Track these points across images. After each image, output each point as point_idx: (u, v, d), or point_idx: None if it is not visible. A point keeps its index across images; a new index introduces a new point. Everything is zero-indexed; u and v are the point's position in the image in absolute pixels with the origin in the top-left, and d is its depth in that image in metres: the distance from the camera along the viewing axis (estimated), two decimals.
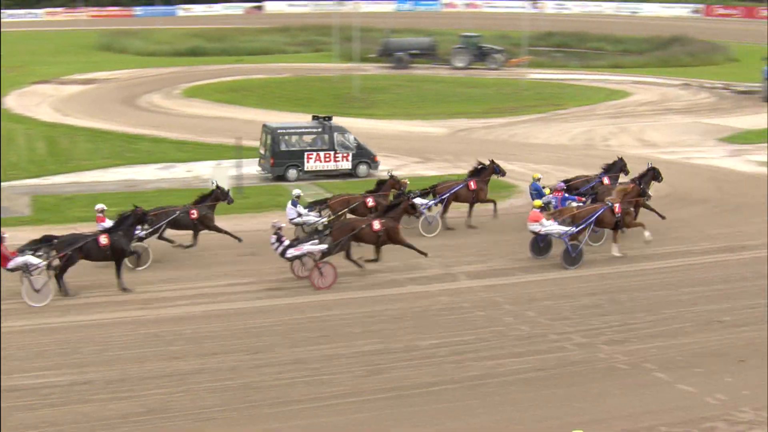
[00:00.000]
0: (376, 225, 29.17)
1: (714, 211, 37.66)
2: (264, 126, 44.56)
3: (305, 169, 43.19)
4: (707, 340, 24.31)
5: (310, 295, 27.52)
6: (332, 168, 43.58)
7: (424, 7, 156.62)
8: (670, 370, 22.43)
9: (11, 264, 26.62)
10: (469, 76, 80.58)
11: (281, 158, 42.89)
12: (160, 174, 44.29)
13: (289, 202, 32.60)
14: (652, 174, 34.74)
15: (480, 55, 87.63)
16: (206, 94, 68.45)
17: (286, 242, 28.24)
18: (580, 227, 30.45)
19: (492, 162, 35.83)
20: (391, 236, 29.46)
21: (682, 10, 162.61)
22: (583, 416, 20.26)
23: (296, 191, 33.06)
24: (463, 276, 29.30)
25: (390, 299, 27.22)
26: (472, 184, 34.79)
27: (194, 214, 31.41)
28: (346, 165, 43.72)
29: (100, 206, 30.43)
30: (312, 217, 32.21)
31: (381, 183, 34.33)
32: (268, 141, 43.23)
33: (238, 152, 41.05)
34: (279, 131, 43.28)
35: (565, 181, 35.05)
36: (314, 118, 45.53)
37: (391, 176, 34.63)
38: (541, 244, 31.11)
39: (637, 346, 23.73)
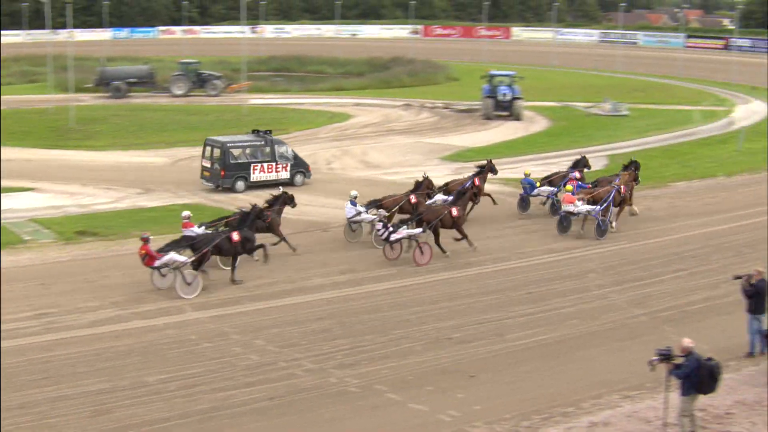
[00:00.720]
0: (455, 212, 35.18)
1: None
2: (209, 140, 47.35)
3: (251, 180, 46.39)
4: (437, 358, 25.10)
5: (30, 336, 26.66)
6: (274, 178, 46.91)
7: (140, 35, 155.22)
8: (402, 390, 23.05)
9: (158, 262, 30.21)
10: (189, 104, 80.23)
11: (231, 170, 45.93)
12: None
13: (348, 202, 36.91)
14: (635, 165, 42.16)
15: (199, 81, 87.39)
16: None
17: (391, 228, 33.67)
18: (604, 206, 37.82)
19: (489, 161, 42.45)
20: (456, 223, 35.34)
21: (401, 31, 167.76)
22: None
23: (353, 192, 37.61)
24: (189, 308, 29.08)
25: (115, 336, 26.69)
26: (477, 181, 40.24)
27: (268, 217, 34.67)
28: (285, 175, 47.30)
29: (186, 213, 34.02)
30: (369, 216, 36.69)
31: (419, 183, 39.51)
32: (216, 154, 46.09)
33: None
34: (228, 145, 46.34)
35: (546, 177, 42.82)
36: (254, 132, 48.78)
37: (426, 177, 39.97)
38: (564, 223, 38.08)
39: (368, 369, 24.25)
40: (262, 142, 47.25)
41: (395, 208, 37.42)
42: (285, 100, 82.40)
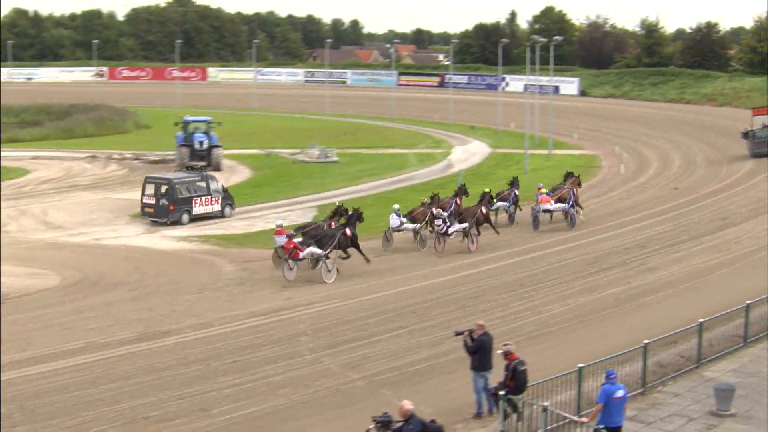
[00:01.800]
0: (484, 210, 49.40)
1: (133, 295, 38.57)
2: (151, 178, 55.58)
3: (193, 213, 54.28)
4: None
5: None
6: (209, 211, 55.41)
7: None
8: None
9: (302, 254, 41.14)
10: None
11: (179, 204, 53.57)
12: None
13: (393, 213, 48.26)
14: (572, 173, 58.49)
15: None
16: None
17: (449, 224, 46.62)
18: (571, 203, 52.73)
19: (463, 185, 54.90)
20: (487, 218, 50.26)
21: (83, 74, 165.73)
22: None
23: (396, 206, 49.27)
24: None
25: None
26: (459, 200, 52.11)
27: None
28: (217, 208, 55.86)
29: (279, 222, 45.64)
30: (409, 225, 48.21)
31: (432, 198, 51.15)
32: (162, 191, 53.28)
33: None
34: (175, 181, 54.03)
35: (497, 193, 54.70)
36: (188, 168, 59.61)
37: (436, 194, 52.20)
38: (535, 222, 52.50)
39: None
40: (199, 178, 55.52)
41: (426, 218, 48.36)
42: None
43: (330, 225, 44.22)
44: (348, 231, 42.94)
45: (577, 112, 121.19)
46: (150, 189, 54.03)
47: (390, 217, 48.22)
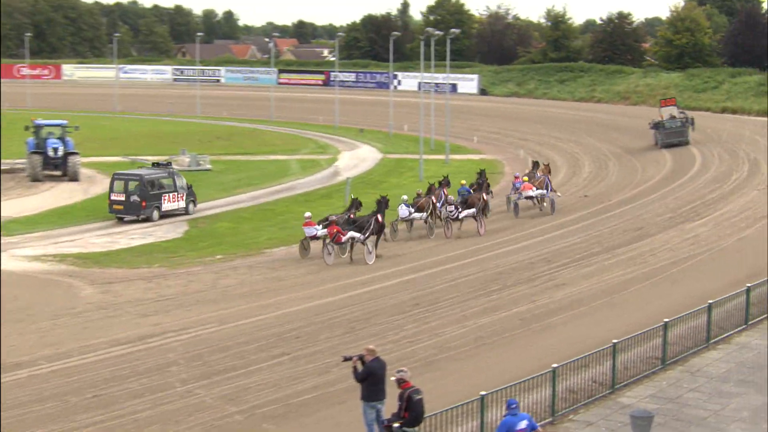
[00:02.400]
0: (484, 196, 58.11)
1: None
2: (120, 174, 60.95)
3: (162, 209, 59.64)
4: None
5: None
6: (175, 207, 60.92)
7: None
8: None
9: (344, 238, 48.81)
10: None
11: (150, 201, 58.87)
12: None
13: (402, 204, 55.70)
14: (538, 163, 70.23)
15: None
16: None
17: (460, 209, 55.75)
18: (549, 189, 62.94)
19: (446, 176, 62.99)
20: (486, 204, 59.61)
21: None
22: None
23: (404, 197, 57.04)
24: None
25: None
26: (445, 191, 59.27)
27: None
28: (182, 204, 61.47)
29: (308, 214, 50.82)
30: (417, 215, 56.17)
31: (430, 189, 59.19)
32: (132, 187, 58.51)
33: None
34: (147, 177, 59.27)
35: (471, 184, 61.65)
36: (154, 165, 62.97)
37: (432, 184, 60.18)
38: (516, 209, 61.51)
39: None
40: (166, 174, 60.79)
41: (430, 208, 56.99)
42: None
43: (350, 216, 51.32)
44: (380, 217, 50.91)
45: (477, 113, 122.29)
46: (119, 186, 59.13)
47: (399, 208, 55.66)
